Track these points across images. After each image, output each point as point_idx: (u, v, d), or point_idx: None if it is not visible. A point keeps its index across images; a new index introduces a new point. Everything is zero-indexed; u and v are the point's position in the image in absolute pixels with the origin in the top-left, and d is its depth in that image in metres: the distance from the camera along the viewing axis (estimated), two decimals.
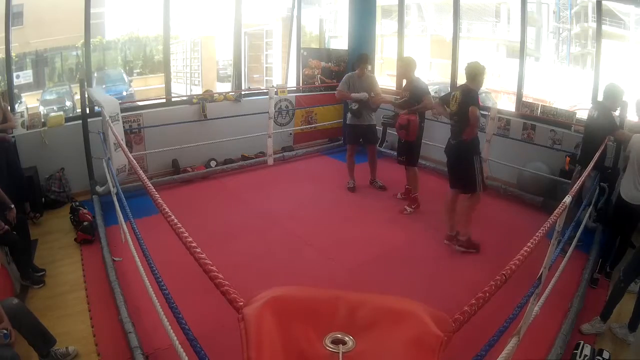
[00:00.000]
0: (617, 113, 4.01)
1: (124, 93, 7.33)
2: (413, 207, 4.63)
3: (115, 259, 3.49)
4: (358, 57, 5.11)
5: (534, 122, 5.15)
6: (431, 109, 4.40)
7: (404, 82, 4.63)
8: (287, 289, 0.73)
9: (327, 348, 0.61)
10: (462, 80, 6.36)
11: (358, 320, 0.65)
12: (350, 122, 5.08)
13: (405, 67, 4.48)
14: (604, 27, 4.76)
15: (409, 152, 4.55)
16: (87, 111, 4.74)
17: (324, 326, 0.64)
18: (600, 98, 4.03)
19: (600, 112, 3.70)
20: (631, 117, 4.07)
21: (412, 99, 4.36)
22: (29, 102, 5.75)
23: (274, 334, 0.62)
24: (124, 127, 4.83)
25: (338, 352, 0.59)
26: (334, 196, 5.09)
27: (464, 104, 3.47)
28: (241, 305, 0.75)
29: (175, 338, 1.89)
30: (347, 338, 0.62)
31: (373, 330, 0.64)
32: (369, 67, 5.16)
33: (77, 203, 4.35)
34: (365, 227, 4.30)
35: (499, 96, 6.66)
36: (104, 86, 6.79)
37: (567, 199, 1.96)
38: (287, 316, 0.65)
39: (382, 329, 0.64)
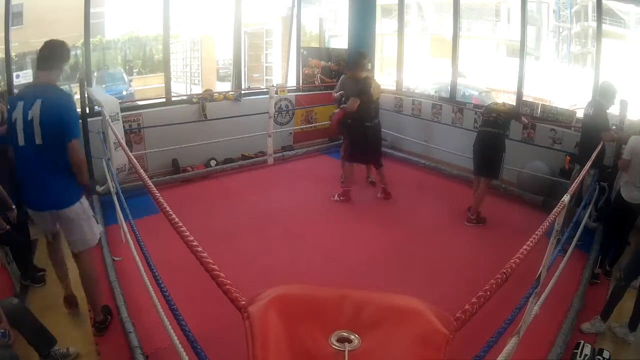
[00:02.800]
0: (617, 112, 4.02)
1: (124, 92, 7.32)
2: (342, 198, 4.80)
3: (115, 258, 3.49)
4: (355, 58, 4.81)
5: (534, 121, 5.15)
6: (351, 111, 4.42)
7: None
8: (291, 287, 0.72)
9: (333, 346, 0.60)
10: (462, 79, 6.42)
11: (363, 319, 0.65)
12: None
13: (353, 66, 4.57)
14: (604, 26, 4.76)
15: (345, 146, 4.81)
16: (87, 111, 4.73)
17: (329, 324, 0.63)
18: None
19: (595, 110, 3.72)
20: (631, 116, 4.07)
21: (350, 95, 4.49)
22: None
23: (279, 333, 0.62)
24: (123, 126, 4.82)
25: (344, 351, 0.59)
26: (333, 195, 5.09)
27: (515, 112, 4.44)
28: (243, 304, 0.75)
29: (175, 338, 1.89)
30: (352, 336, 0.62)
31: (378, 329, 0.63)
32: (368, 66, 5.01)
33: None
34: (365, 226, 4.30)
35: (499, 95, 6.66)
36: (103, 86, 6.78)
37: (566, 198, 1.96)
38: (292, 314, 0.65)
39: (387, 327, 0.63)
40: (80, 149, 2.43)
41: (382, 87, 5.23)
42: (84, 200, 2.57)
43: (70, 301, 2.90)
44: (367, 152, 4.70)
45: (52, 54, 2.38)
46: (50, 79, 2.38)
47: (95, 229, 2.66)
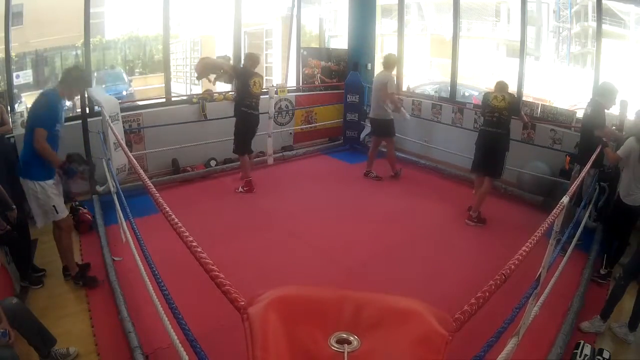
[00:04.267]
0: (617, 112, 4.02)
1: (124, 92, 7.33)
2: (245, 189, 5.03)
3: (115, 258, 3.49)
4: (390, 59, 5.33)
5: (534, 121, 5.14)
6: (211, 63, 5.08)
7: None
8: (291, 288, 0.72)
9: (332, 348, 0.60)
10: (461, 79, 6.42)
11: (363, 320, 0.65)
12: (392, 117, 5.37)
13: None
14: (604, 26, 4.76)
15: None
16: (87, 111, 4.73)
17: (329, 326, 0.63)
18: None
19: (593, 109, 3.72)
20: (631, 116, 4.07)
21: None
22: (29, 102, 5.73)
23: (279, 334, 0.62)
24: (123, 126, 4.82)
25: (343, 352, 0.59)
26: (333, 195, 5.09)
27: (515, 105, 4.30)
28: (242, 304, 0.75)
29: (175, 338, 1.89)
30: (352, 338, 0.62)
31: (378, 330, 0.63)
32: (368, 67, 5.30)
33: (77, 203, 4.34)
34: (364, 226, 4.29)
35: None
36: (103, 86, 6.78)
37: (565, 199, 1.96)
38: (292, 315, 0.65)
39: (387, 329, 0.63)
40: (40, 137, 2.85)
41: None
42: (44, 184, 2.97)
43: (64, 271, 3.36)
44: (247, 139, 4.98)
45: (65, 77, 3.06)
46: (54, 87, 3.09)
47: (40, 218, 3.08)
